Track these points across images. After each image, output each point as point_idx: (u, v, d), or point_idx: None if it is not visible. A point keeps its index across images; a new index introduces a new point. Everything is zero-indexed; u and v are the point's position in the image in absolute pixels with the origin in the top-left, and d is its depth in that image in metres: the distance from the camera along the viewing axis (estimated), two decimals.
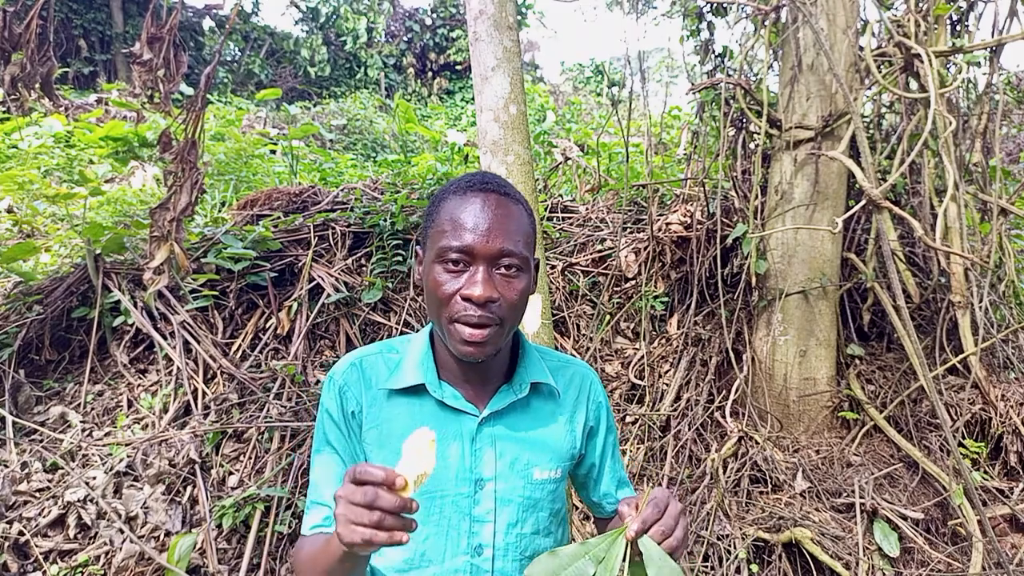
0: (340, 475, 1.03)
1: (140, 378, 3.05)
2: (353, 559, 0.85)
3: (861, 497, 2.67)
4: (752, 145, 3.44)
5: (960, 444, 2.89)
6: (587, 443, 1.15)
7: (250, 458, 2.65)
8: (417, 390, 1.04)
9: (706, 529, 2.59)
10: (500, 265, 0.95)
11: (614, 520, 1.18)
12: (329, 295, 3.26)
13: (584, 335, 3.47)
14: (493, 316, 0.94)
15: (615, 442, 1.20)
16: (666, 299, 3.53)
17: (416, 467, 0.78)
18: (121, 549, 2.31)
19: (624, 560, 0.82)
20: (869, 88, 3.17)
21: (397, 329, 3.32)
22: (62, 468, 2.59)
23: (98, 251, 3.21)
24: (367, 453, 1.04)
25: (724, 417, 3.01)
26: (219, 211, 4.76)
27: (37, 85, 2.23)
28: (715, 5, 3.54)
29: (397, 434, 1.01)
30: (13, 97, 2.20)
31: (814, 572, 2.49)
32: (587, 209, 4.31)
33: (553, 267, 3.61)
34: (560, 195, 4.72)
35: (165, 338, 3.03)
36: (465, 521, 1.01)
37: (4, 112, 5.81)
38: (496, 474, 1.02)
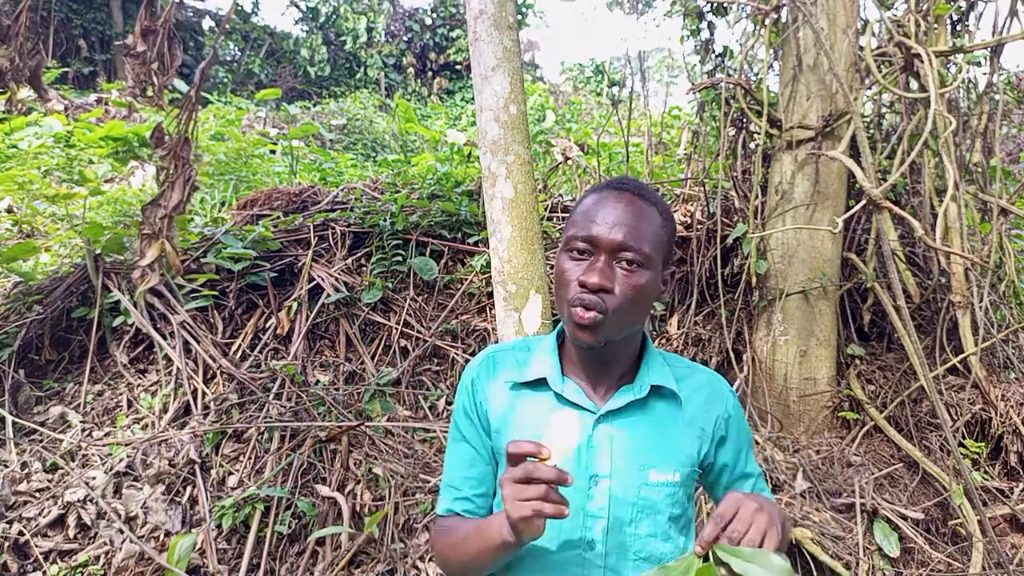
0: (469, 461, 1.12)
1: (140, 378, 3.05)
2: (509, 549, 0.91)
3: (861, 497, 2.67)
4: (752, 145, 3.44)
5: (960, 444, 2.89)
6: (717, 451, 1.14)
7: (250, 458, 2.65)
8: (540, 384, 1.08)
9: None
10: (622, 259, 0.99)
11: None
12: (329, 295, 3.26)
13: None
14: (602, 304, 0.97)
15: (747, 449, 1.18)
16: (666, 299, 3.53)
17: (559, 442, 0.84)
18: (121, 549, 2.31)
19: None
20: (869, 88, 3.17)
21: (397, 329, 3.32)
22: (62, 468, 2.59)
23: (98, 251, 3.21)
24: (495, 443, 1.10)
25: None
26: (219, 211, 4.76)
27: (25, 79, 2.22)
28: (715, 5, 3.54)
29: (518, 426, 1.07)
30: (1, 91, 2.19)
31: (814, 572, 2.49)
32: None
33: (553, 267, 3.61)
34: (560, 195, 4.71)
35: (165, 338, 3.03)
36: (578, 515, 1.02)
37: (4, 112, 5.81)
38: (611, 471, 1.03)
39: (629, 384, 1.08)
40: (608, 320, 0.98)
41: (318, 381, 3.03)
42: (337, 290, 3.29)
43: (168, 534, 2.41)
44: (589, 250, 1.00)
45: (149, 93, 2.22)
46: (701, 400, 1.12)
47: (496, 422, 1.09)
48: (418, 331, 3.34)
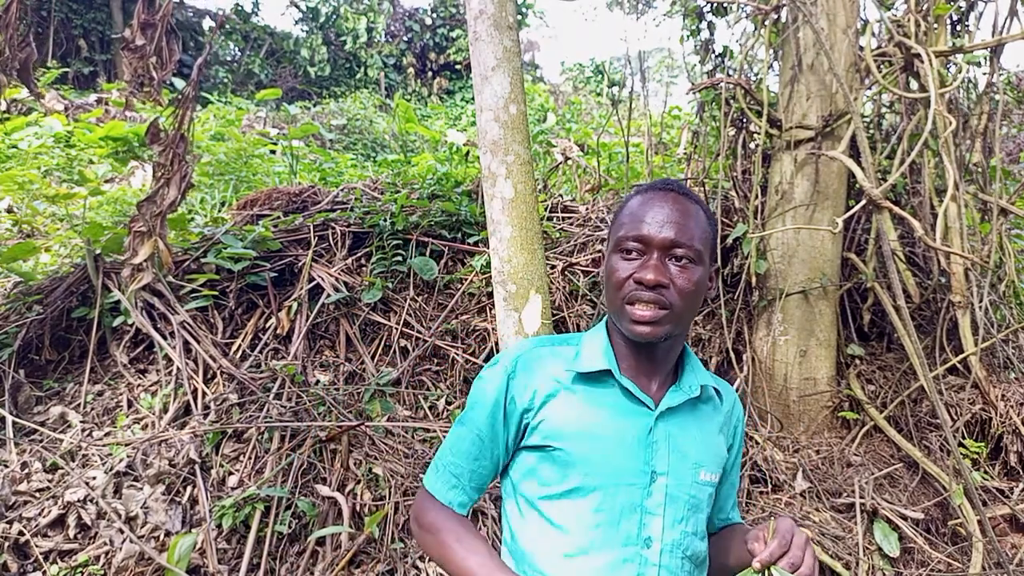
0: (475, 454, 1.10)
1: (140, 378, 3.05)
2: None
3: (861, 497, 2.67)
4: (752, 145, 3.44)
5: (960, 444, 2.89)
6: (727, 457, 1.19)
7: (250, 458, 2.65)
8: (601, 377, 1.07)
9: None
10: (673, 255, 1.01)
11: (736, 549, 1.14)
12: (329, 295, 3.26)
13: None
14: (663, 300, 0.99)
15: (739, 462, 1.23)
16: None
17: None
18: (121, 549, 2.31)
19: None
20: (869, 88, 3.17)
21: (397, 329, 3.31)
22: (62, 468, 2.59)
23: (98, 251, 3.21)
24: (542, 437, 1.06)
25: None
26: (219, 211, 4.76)
27: (15, 71, 2.20)
28: (715, 5, 3.54)
29: (576, 418, 1.05)
30: None
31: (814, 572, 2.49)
32: (587, 209, 4.31)
33: (553, 267, 3.61)
34: (560, 195, 4.71)
35: (165, 338, 3.03)
36: (637, 512, 1.02)
37: (4, 112, 5.81)
38: (669, 469, 1.04)
39: (676, 383, 1.09)
40: (670, 315, 1.00)
41: (318, 381, 3.03)
42: (337, 290, 3.29)
43: (168, 534, 2.40)
44: (640, 249, 1.01)
45: (147, 88, 2.21)
46: (726, 407, 1.16)
47: (544, 415, 1.07)
48: (418, 331, 3.34)
